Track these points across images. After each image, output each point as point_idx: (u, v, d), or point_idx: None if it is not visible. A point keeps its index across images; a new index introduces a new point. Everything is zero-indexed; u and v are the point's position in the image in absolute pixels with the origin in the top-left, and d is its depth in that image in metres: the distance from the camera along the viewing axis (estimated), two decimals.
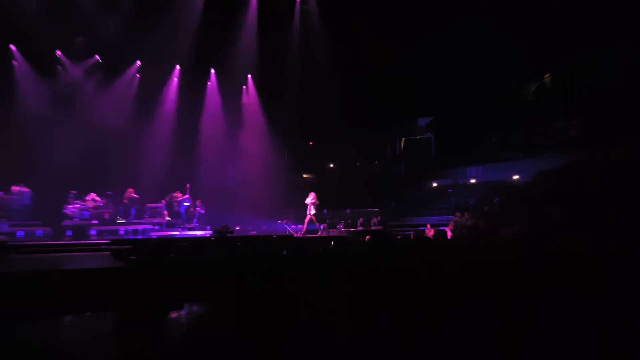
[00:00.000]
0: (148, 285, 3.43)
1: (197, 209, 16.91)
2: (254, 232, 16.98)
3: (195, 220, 16.99)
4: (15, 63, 16.49)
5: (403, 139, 26.97)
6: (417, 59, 20.13)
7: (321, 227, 15.80)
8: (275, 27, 18.91)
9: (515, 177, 21.18)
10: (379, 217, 18.77)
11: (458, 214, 15.96)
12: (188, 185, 16.79)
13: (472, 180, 23.43)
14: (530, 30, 18.07)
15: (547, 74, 22.49)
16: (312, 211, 14.99)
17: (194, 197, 17.02)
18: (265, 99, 20.64)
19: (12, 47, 16.32)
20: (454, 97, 22.79)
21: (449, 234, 15.45)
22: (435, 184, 24.21)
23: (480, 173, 23.46)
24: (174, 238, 13.50)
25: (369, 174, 25.70)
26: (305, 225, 15.03)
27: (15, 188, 14.88)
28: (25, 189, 14.92)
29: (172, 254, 7.51)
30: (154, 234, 15.10)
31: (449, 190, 22.83)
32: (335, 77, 19.32)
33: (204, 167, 19.56)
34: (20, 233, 14.05)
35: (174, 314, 4.57)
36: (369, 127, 22.84)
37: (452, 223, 16.60)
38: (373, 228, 17.19)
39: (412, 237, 15.61)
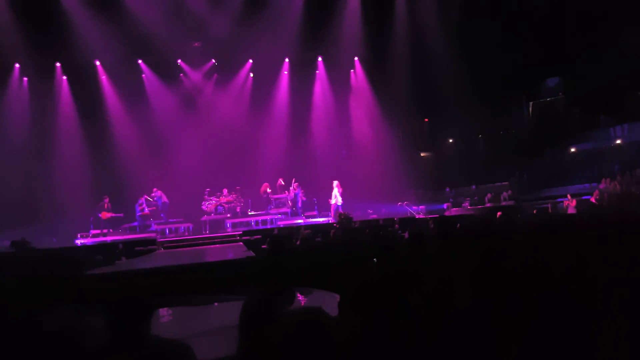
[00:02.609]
0: (277, 271, 3.48)
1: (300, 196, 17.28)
2: (374, 216, 16.84)
3: (315, 207, 17.52)
4: (144, 76, 18.37)
5: (531, 103, 24.44)
6: (538, 10, 17.85)
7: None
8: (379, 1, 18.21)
9: None
10: (509, 192, 17.31)
11: (607, 181, 13.99)
12: (295, 182, 17.23)
13: (618, 142, 20.52)
14: None
15: None
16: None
17: (311, 185, 17.56)
18: (375, 79, 20.12)
19: (140, 61, 18.12)
20: (587, 48, 19.83)
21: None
22: (573, 149, 21.60)
23: (626, 132, 20.52)
24: (298, 226, 14.02)
25: (493, 146, 23.78)
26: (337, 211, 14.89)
27: (153, 193, 16.61)
28: (159, 192, 16.55)
29: (298, 241, 7.70)
30: (281, 223, 15.90)
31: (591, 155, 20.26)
32: (448, 46, 18.05)
33: (319, 154, 19.90)
34: (166, 230, 15.84)
35: (301, 301, 4.59)
36: (490, 96, 20.98)
37: (597, 192, 14.83)
38: (504, 204, 15.90)
39: (549, 210, 14.15)
